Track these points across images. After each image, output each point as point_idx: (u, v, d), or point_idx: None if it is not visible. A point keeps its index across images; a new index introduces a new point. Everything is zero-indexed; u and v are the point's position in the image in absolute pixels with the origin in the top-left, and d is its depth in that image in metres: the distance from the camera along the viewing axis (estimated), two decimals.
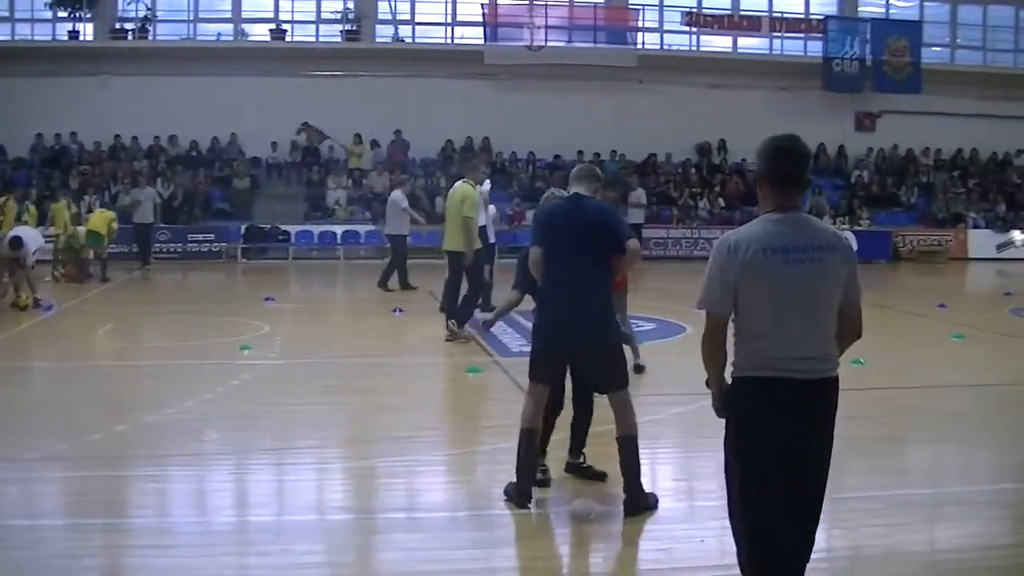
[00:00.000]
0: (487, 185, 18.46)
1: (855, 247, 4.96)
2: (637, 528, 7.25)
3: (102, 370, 13.56)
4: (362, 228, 32.76)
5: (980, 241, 36.77)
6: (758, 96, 37.41)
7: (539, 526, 7.31)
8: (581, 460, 8.37)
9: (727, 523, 6.30)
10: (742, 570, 5.14)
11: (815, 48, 39.10)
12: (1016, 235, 37.05)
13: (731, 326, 5.09)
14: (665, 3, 38.69)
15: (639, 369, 12.44)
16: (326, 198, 34.09)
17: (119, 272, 25.55)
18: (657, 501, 7.63)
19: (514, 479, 7.51)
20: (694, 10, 38.43)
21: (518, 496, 7.44)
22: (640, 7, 38.36)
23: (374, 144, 35.69)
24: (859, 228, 34.93)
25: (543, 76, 36.05)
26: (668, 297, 18.54)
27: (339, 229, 32.62)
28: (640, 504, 7.40)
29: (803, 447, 4.94)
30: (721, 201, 36.44)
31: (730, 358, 5.12)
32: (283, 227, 32.28)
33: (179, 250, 31.29)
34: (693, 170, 37.46)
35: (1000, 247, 36.81)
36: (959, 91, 39.10)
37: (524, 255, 7.96)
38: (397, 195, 22.85)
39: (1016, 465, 9.36)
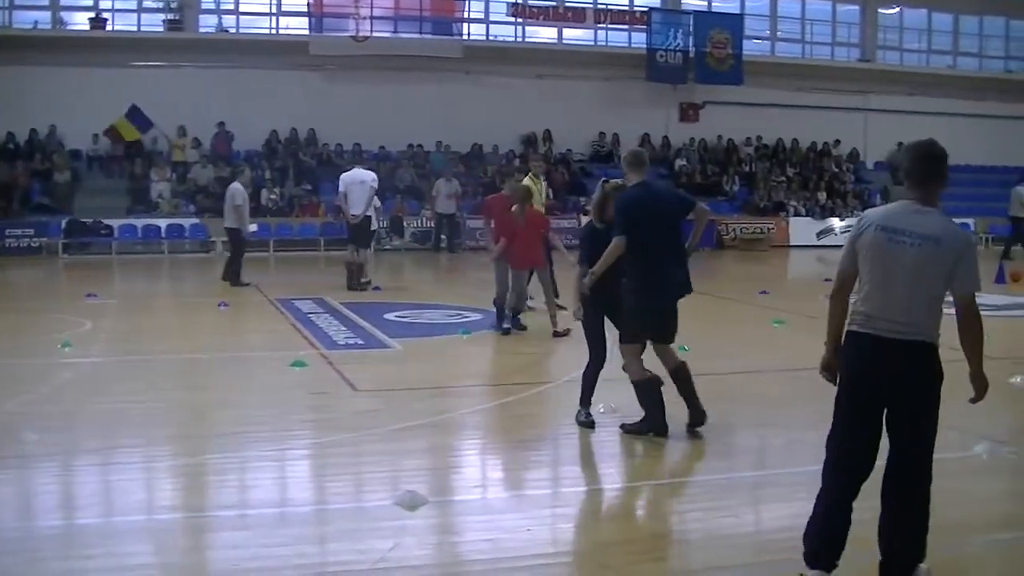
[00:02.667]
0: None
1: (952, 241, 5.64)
2: (464, 519, 7.67)
3: None
4: (187, 222, 33.73)
5: (801, 229, 40.18)
6: (583, 87, 40.33)
7: (364, 520, 7.43)
8: None
9: (555, 512, 7.78)
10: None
11: (639, 40, 41.93)
12: (835, 222, 40.50)
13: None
14: None
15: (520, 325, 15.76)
16: (149, 191, 34.78)
17: None
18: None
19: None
20: (519, 1, 40.64)
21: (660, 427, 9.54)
22: None
23: (195, 141, 36.56)
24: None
25: (369, 67, 37.69)
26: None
27: (163, 223, 33.45)
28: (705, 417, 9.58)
29: (882, 397, 5.89)
30: (550, 192, 38.49)
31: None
32: (105, 221, 32.78)
33: None
34: (518, 161, 39.26)
35: (820, 234, 40.28)
36: (779, 83, 42.72)
37: (586, 234, 10.03)
38: (235, 187, 23.14)
39: None
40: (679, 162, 41.72)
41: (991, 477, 8.85)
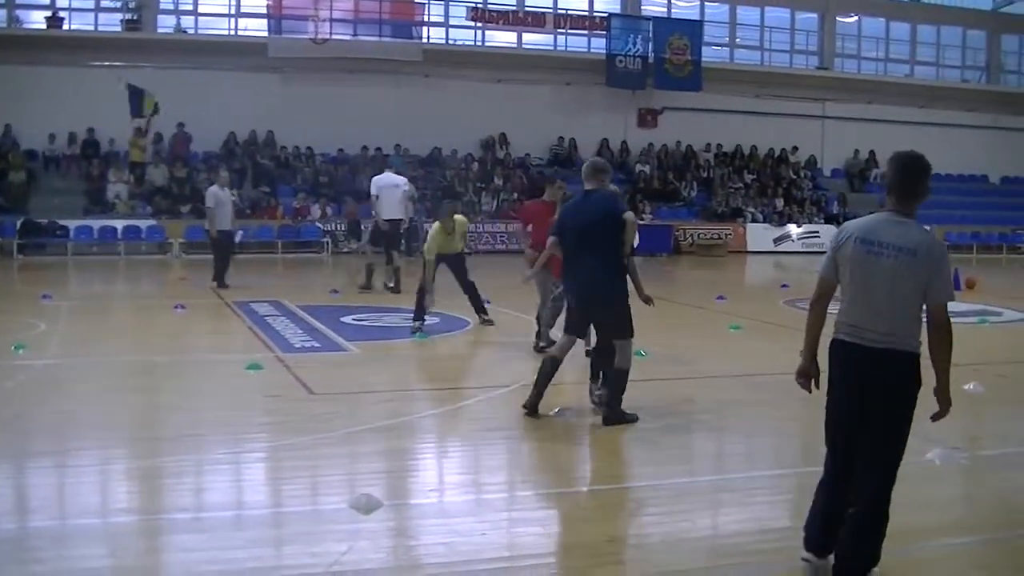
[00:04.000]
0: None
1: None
2: (419, 522, 7.67)
3: None
4: (143, 223, 33.63)
5: (758, 234, 40.61)
6: (542, 91, 40.65)
7: (319, 524, 7.38)
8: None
9: (511, 515, 7.78)
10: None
11: (599, 45, 42.19)
12: (792, 229, 41.03)
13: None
14: None
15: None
16: (106, 192, 34.70)
17: None
18: (636, 418, 10.30)
19: None
20: (479, 5, 41.03)
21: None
22: (425, 1, 40.68)
23: (158, 138, 36.55)
24: (641, 222, 37.74)
25: (328, 69, 37.81)
26: (451, 292, 20.00)
27: (120, 224, 33.24)
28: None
29: (858, 403, 6.10)
30: (503, 195, 38.76)
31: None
32: (61, 222, 32.54)
33: None
34: (476, 164, 39.88)
35: (777, 240, 40.79)
36: (738, 89, 43.33)
37: None
38: (213, 190, 23.14)
39: (792, 451, 10.04)
40: (638, 167, 42.00)
41: (945, 482, 8.88)
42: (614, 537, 7.49)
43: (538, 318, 14.98)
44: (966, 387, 12.27)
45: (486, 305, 17.38)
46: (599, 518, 7.88)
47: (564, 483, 8.95)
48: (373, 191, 21.74)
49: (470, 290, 17.29)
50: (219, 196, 23.06)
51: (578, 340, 11.09)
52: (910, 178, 6.17)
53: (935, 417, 6.15)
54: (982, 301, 22.76)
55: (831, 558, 6.26)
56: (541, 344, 14.59)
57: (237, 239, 26.01)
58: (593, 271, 10.21)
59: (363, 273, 22.72)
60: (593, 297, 10.34)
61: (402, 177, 22.44)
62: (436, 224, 16.87)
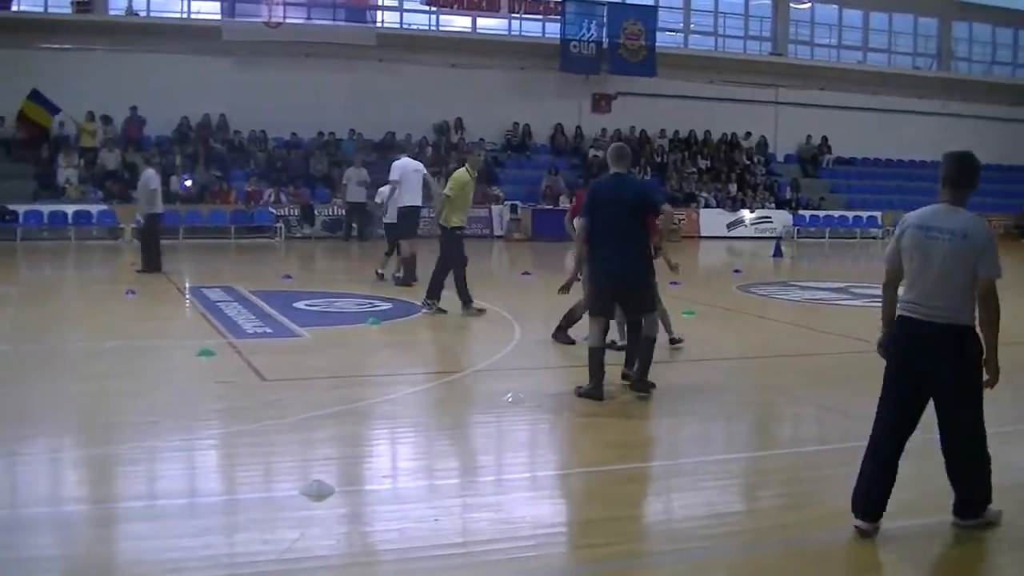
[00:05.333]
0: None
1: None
2: (372, 508, 7.66)
3: None
4: (94, 208, 33.24)
5: (712, 220, 40.89)
6: (497, 76, 40.68)
7: (272, 510, 7.36)
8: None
9: (464, 502, 7.77)
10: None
11: (553, 30, 42.23)
12: (745, 214, 41.33)
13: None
14: None
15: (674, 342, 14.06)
16: (56, 177, 34.13)
17: None
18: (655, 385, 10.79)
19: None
20: None
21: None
22: None
23: (107, 120, 36.15)
24: None
25: (282, 53, 37.59)
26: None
27: (70, 209, 32.76)
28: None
29: (914, 371, 6.88)
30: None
31: None
32: (10, 207, 32.07)
33: None
34: (431, 149, 39.61)
35: (730, 225, 41.10)
36: (692, 75, 43.54)
37: None
38: (149, 173, 23.02)
39: (744, 435, 10.25)
40: (591, 153, 41.94)
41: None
42: (567, 522, 7.55)
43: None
44: None
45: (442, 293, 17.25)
46: (552, 503, 7.95)
47: (518, 469, 8.95)
48: (395, 176, 20.28)
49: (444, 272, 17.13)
50: (156, 179, 23.08)
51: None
52: (964, 173, 6.93)
53: (986, 385, 6.79)
54: None
55: (880, 523, 6.98)
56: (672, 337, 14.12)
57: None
58: (630, 251, 10.65)
59: (400, 266, 20.97)
60: (629, 277, 10.72)
61: (418, 163, 21.22)
62: (462, 170, 16.95)
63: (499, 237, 37.12)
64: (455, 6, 41.27)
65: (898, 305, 7.02)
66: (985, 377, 6.78)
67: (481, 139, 39.75)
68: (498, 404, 10.66)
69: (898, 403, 6.98)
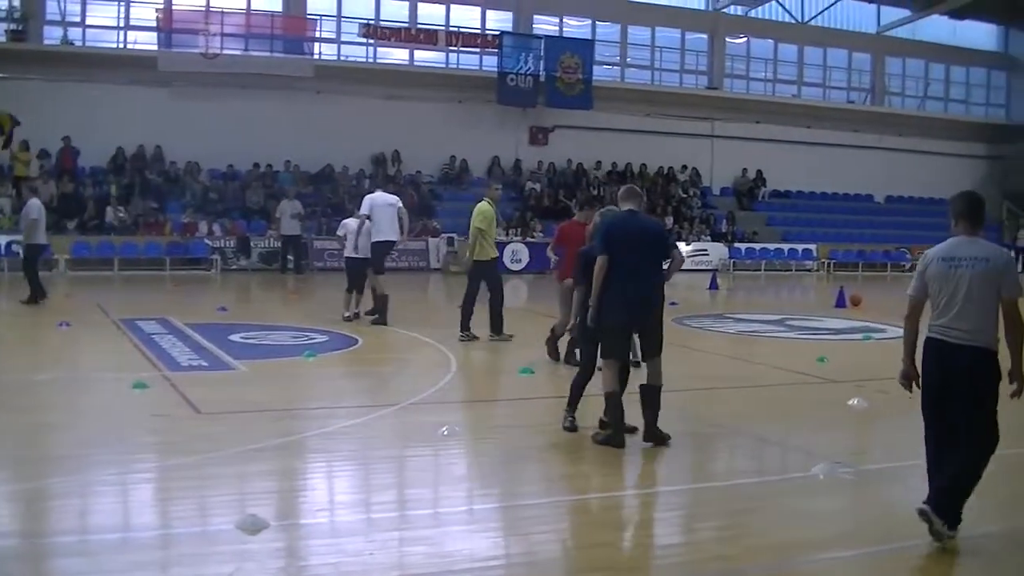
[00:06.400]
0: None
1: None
2: (307, 543, 7.58)
3: None
4: None
5: None
6: (434, 109, 40.70)
7: (206, 545, 7.29)
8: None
9: (400, 535, 7.70)
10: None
11: (491, 63, 42.44)
12: (682, 247, 41.04)
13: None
14: (343, 14, 41.17)
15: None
16: None
17: None
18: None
19: None
20: (371, 22, 41.10)
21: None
22: (317, 17, 40.61)
23: (44, 155, 35.95)
24: (531, 240, 38.48)
25: (219, 84, 37.50)
26: (340, 310, 20.02)
27: (3, 239, 32.11)
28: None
29: (944, 389, 7.40)
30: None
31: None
32: None
33: None
34: (368, 181, 39.19)
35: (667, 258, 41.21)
36: (628, 108, 43.92)
37: (586, 257, 10.68)
38: (32, 203, 22.86)
39: (681, 467, 10.07)
40: (528, 185, 42.21)
41: (829, 496, 9.06)
42: (502, 555, 7.52)
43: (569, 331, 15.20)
44: (850, 402, 12.68)
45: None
46: (488, 536, 7.94)
47: (453, 502, 8.92)
48: (364, 210, 19.94)
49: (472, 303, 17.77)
50: (39, 210, 22.87)
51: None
52: (976, 209, 7.64)
53: (1013, 395, 7.34)
54: (866, 318, 23.33)
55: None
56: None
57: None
58: (651, 288, 10.50)
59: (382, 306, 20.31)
60: (649, 313, 10.52)
61: (394, 196, 20.69)
62: (484, 204, 17.98)
63: (436, 269, 37.02)
64: (393, 39, 41.49)
65: (929, 330, 7.55)
66: (1014, 386, 7.33)
67: (418, 171, 40.22)
68: (434, 437, 10.64)
69: (934, 418, 7.55)
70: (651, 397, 10.56)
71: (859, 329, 21.32)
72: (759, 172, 47.22)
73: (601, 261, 10.31)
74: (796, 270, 42.98)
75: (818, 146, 47.31)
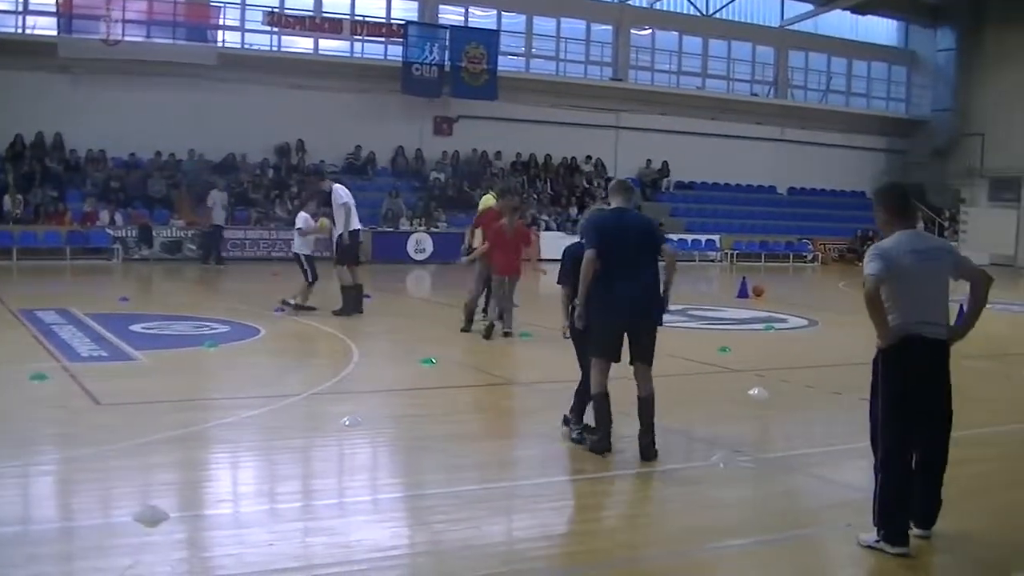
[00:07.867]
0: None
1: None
2: (207, 534, 7.57)
3: None
4: None
5: (552, 243, 40.46)
6: (339, 98, 40.49)
7: (105, 537, 7.23)
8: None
9: (301, 525, 7.71)
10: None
11: (395, 52, 42.27)
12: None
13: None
14: (247, 2, 40.70)
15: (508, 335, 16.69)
16: None
17: None
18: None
19: None
20: (276, 10, 40.71)
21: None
22: (221, 5, 40.13)
23: None
24: (435, 230, 38.78)
25: (120, 71, 36.87)
26: (243, 299, 19.87)
27: None
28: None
29: (928, 389, 7.26)
30: (296, 201, 37.50)
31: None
32: None
33: None
34: (271, 171, 39.63)
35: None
36: (533, 99, 44.08)
37: (571, 254, 10.16)
38: None
39: (581, 456, 9.88)
40: (432, 175, 42.26)
41: (729, 485, 9.16)
42: (404, 544, 7.54)
43: (485, 309, 17.84)
44: (751, 392, 12.87)
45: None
46: (389, 526, 7.95)
47: (356, 492, 8.96)
48: (346, 199, 19.77)
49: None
50: None
51: None
52: (908, 200, 7.53)
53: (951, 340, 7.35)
54: (768, 308, 23.65)
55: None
56: (506, 330, 17.50)
57: None
58: (647, 288, 9.87)
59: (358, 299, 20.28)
60: (646, 314, 9.91)
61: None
62: (488, 196, 18.82)
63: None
64: (297, 27, 41.13)
65: (906, 327, 7.20)
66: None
67: (322, 161, 39.76)
68: (336, 427, 10.68)
69: (910, 419, 7.25)
70: (645, 409, 9.93)
71: (761, 319, 21.63)
72: (664, 163, 47.58)
73: (590, 256, 9.67)
74: (699, 260, 43.40)
75: (722, 138, 47.82)
